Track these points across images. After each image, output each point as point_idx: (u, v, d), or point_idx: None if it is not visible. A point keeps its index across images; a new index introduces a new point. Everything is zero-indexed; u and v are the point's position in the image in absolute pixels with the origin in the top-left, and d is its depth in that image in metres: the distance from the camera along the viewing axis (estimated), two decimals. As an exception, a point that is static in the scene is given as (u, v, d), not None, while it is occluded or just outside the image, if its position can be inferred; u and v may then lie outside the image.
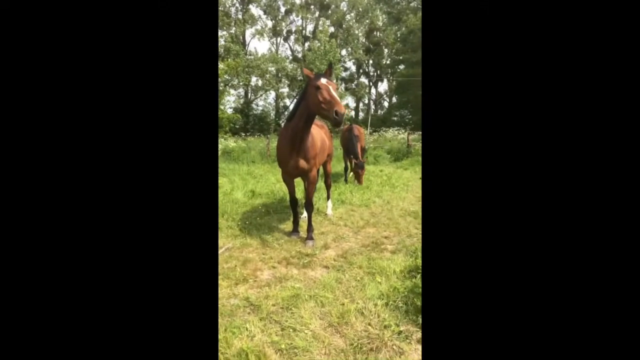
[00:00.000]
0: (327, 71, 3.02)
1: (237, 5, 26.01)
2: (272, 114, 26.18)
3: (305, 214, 4.02)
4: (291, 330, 1.91)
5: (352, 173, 7.03)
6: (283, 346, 1.77)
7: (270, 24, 27.51)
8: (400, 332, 1.87)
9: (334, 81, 3.03)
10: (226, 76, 18.43)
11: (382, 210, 4.71)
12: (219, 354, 1.71)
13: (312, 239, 3.40)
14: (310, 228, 3.49)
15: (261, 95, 26.47)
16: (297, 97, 3.35)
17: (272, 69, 24.31)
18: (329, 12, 27.54)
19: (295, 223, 3.66)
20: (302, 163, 3.29)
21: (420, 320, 1.94)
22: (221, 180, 6.79)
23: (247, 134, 17.11)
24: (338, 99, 2.77)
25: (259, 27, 27.05)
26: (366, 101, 30.71)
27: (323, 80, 2.87)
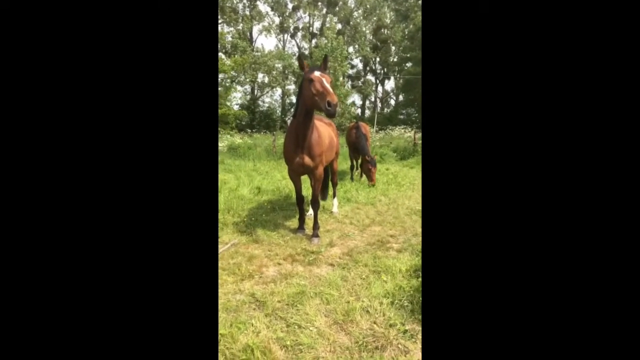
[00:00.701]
0: (322, 64, 3.02)
1: (245, 1, 25.99)
2: (278, 111, 26.20)
3: (311, 212, 4.03)
4: (296, 326, 1.92)
5: (357, 171, 7.01)
6: (288, 342, 1.77)
7: (277, 20, 27.47)
8: (405, 331, 1.87)
9: (329, 74, 3.02)
10: (233, 72, 18.48)
11: (388, 209, 4.70)
12: (225, 349, 1.72)
13: (317, 236, 3.41)
14: (316, 225, 3.49)
15: (267, 92, 26.49)
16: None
17: (279, 65, 24.28)
18: (337, 9, 27.39)
19: (301, 220, 3.67)
20: (308, 160, 3.28)
21: (425, 319, 1.93)
22: (227, 177, 6.82)
23: (253, 130, 17.16)
24: (330, 89, 2.77)
25: (266, 23, 27.04)
26: (373, 99, 30.60)
27: (316, 73, 2.88)
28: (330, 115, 2.73)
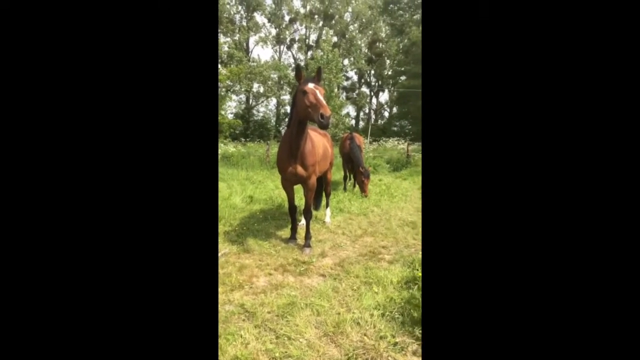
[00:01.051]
0: (316, 76, 3.05)
1: (242, 12, 26.29)
2: (272, 121, 26.28)
3: (303, 221, 4.01)
4: (286, 338, 1.89)
5: (350, 182, 7.03)
6: (277, 354, 1.74)
7: (274, 32, 27.79)
8: (396, 344, 1.85)
9: (323, 85, 3.06)
10: (228, 82, 18.55)
11: (380, 220, 4.70)
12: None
13: (309, 246, 3.39)
14: (308, 235, 3.48)
15: (262, 102, 26.61)
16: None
17: (275, 76, 24.48)
18: (333, 22, 27.85)
19: (293, 230, 3.65)
20: (301, 170, 3.29)
21: (416, 332, 1.92)
22: (219, 185, 6.78)
23: (247, 139, 17.15)
24: (324, 102, 2.81)
25: (262, 34, 27.33)
26: (367, 111, 30.91)
27: (310, 85, 2.91)
28: (323, 127, 2.76)
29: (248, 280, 2.64)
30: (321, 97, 2.84)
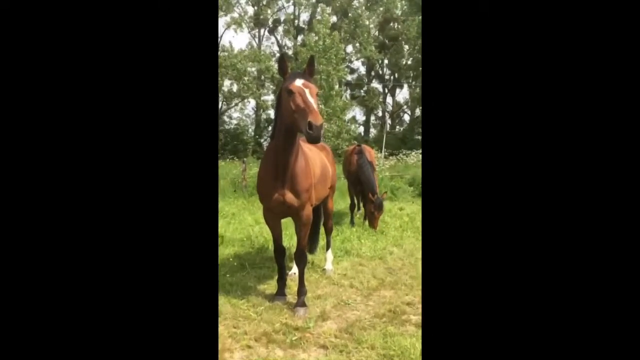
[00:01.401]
0: (306, 69, 3.10)
1: (208, -14, 27.19)
2: (250, 130, 26.63)
3: (295, 270, 3.98)
4: None
5: (360, 212, 7.04)
6: None
7: (251, 10, 28.65)
8: None
9: (316, 82, 3.12)
10: (190, 78, 18.90)
11: (402, 265, 4.70)
12: None
13: (304, 305, 3.37)
14: (302, 290, 3.46)
15: (236, 104, 27.04)
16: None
17: (253, 69, 24.99)
18: (330, -4, 28.80)
19: (281, 282, 3.63)
20: (290, 197, 3.29)
21: None
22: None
23: (216, 156, 17.32)
24: (314, 106, 2.79)
25: (236, 14, 28.12)
26: (380, 114, 31.41)
27: (297, 82, 2.92)
28: (313, 140, 2.75)
29: (219, 357, 2.59)
30: (311, 99, 2.82)
